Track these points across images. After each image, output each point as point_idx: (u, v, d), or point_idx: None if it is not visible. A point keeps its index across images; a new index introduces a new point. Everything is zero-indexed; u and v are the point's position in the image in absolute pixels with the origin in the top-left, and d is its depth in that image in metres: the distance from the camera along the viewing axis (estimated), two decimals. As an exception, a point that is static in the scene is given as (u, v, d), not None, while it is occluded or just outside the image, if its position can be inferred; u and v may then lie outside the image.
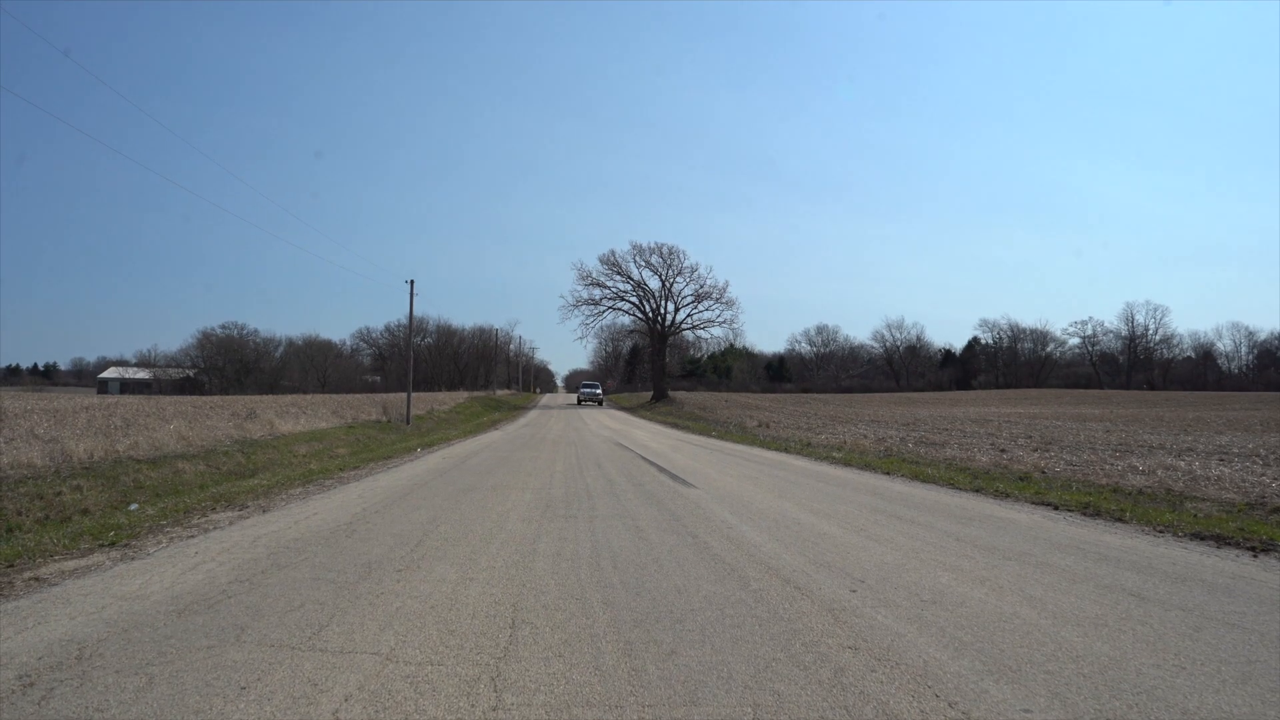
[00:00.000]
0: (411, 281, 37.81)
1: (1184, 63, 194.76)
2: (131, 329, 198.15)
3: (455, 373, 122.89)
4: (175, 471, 13.71)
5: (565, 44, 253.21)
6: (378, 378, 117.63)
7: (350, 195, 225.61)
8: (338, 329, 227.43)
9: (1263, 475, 14.37)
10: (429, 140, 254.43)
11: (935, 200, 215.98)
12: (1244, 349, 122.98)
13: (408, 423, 34.24)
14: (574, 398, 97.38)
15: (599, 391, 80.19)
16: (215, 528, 8.51)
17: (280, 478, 13.62)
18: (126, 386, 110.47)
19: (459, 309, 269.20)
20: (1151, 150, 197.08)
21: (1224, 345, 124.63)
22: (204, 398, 61.98)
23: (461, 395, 75.80)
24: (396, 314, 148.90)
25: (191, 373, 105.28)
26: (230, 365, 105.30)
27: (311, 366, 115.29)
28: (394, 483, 13.04)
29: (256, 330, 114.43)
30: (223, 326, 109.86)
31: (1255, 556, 7.62)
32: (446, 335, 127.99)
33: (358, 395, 66.97)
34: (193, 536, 7.97)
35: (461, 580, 5.97)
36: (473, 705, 3.51)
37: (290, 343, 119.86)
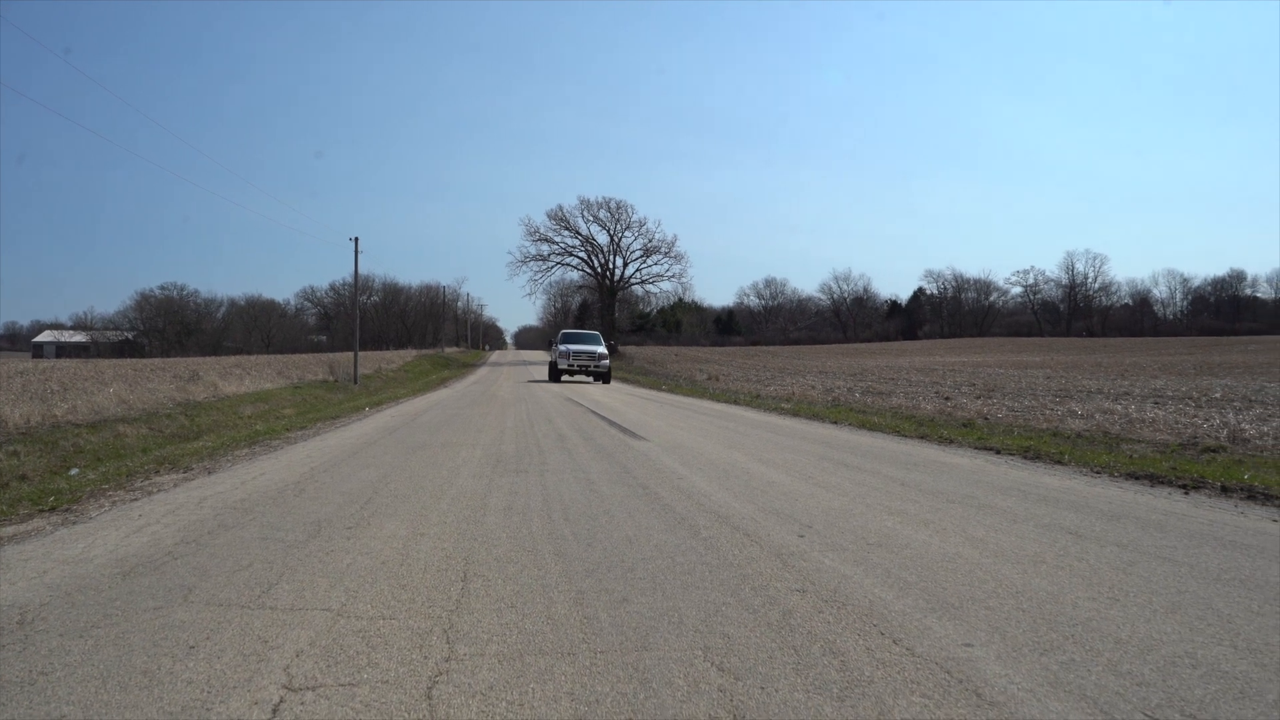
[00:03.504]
0: (356, 239, 37.28)
1: (1121, 14, 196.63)
2: (66, 291, 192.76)
3: (403, 331, 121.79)
4: (116, 435, 13.44)
5: (509, 4, 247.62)
6: (324, 337, 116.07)
7: (293, 153, 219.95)
8: (281, 289, 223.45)
9: (1195, 417, 14.83)
10: (374, 99, 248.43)
11: (880, 153, 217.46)
12: (1179, 295, 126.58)
13: (355, 382, 33.89)
14: (528, 357, 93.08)
15: (603, 354, 37.45)
16: (159, 490, 8.38)
17: (225, 439, 13.43)
18: (63, 350, 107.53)
19: (406, 267, 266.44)
20: (1091, 101, 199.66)
21: (1160, 292, 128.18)
22: (144, 360, 60.66)
23: (409, 354, 75.20)
24: (342, 272, 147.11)
25: (130, 335, 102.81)
26: (170, 327, 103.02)
27: (255, 327, 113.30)
28: (342, 442, 12.93)
29: (197, 291, 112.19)
30: (162, 287, 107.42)
31: (1186, 494, 7.90)
32: (393, 293, 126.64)
33: (303, 355, 66.08)
34: (136, 499, 7.84)
35: (412, 536, 5.96)
36: (425, 657, 3.53)
37: (232, 303, 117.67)
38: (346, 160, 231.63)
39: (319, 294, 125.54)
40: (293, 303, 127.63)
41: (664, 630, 3.84)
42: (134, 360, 63.23)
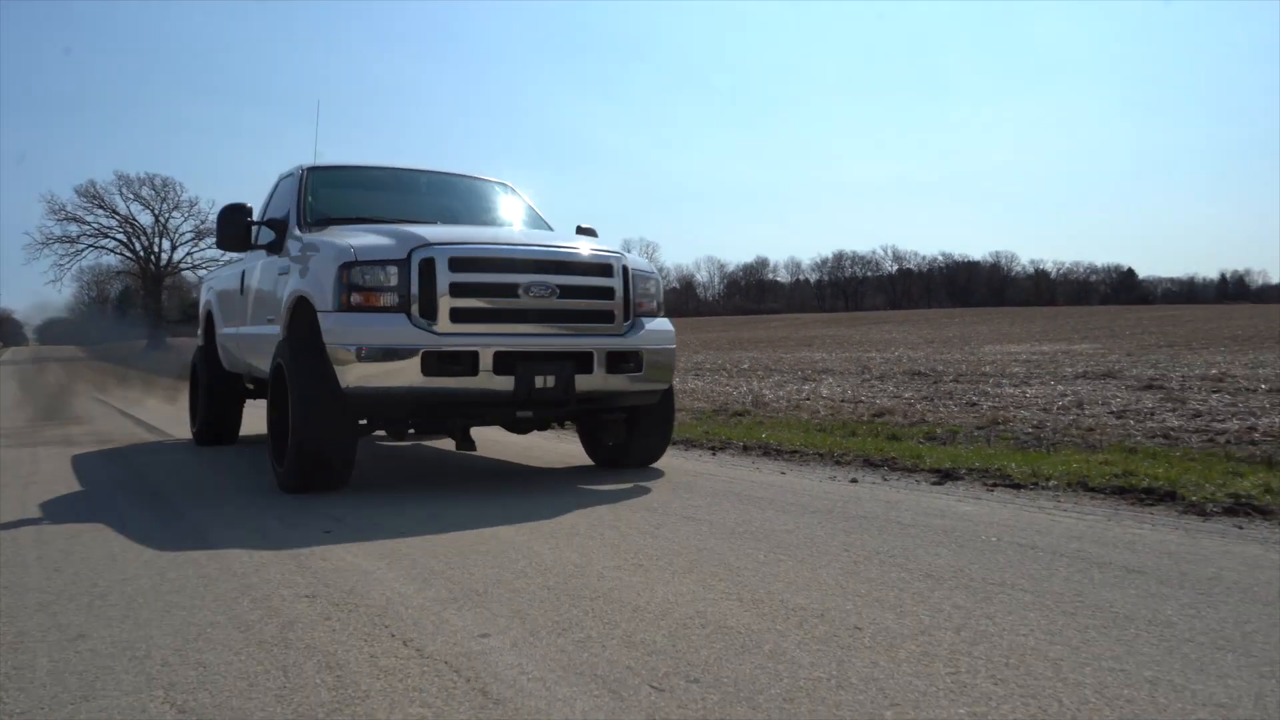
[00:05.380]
0: None
1: (687, 30, 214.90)
2: None
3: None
4: None
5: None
6: None
7: None
8: None
9: (727, 386, 16.39)
10: None
11: (462, 143, 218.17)
12: (716, 279, 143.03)
13: None
14: (48, 353, 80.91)
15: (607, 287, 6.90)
16: None
17: None
18: None
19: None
20: (648, 103, 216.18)
21: (701, 276, 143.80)
22: None
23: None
24: None
25: None
26: None
27: None
28: None
29: None
30: None
31: (714, 455, 8.45)
32: None
33: None
34: None
35: None
36: None
37: None
38: None
39: None
40: None
41: (121, 670, 3.09)
42: None
